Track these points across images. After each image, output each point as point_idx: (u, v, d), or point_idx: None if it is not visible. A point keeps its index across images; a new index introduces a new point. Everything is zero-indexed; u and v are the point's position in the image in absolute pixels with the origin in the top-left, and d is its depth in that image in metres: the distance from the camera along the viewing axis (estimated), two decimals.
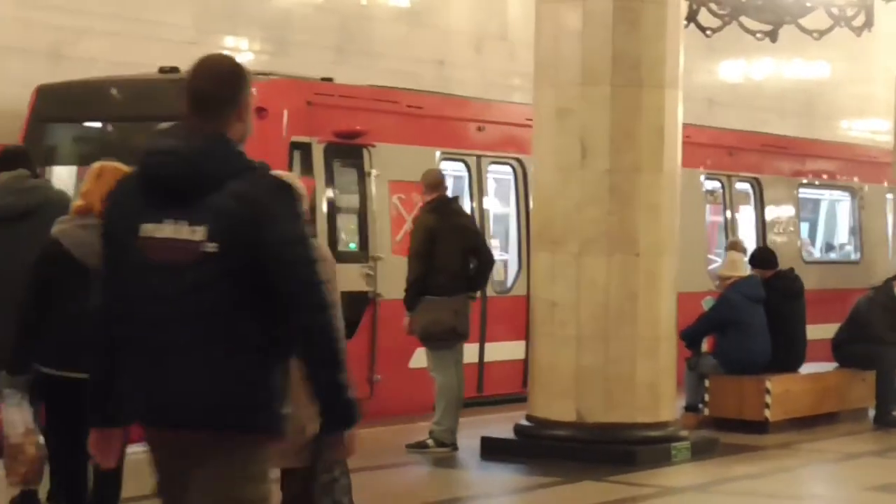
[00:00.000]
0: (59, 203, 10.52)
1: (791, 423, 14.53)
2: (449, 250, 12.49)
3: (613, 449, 11.97)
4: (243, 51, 17.53)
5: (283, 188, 5.70)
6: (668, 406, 12.62)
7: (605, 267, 12.04)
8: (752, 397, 14.62)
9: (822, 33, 17.72)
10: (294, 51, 17.71)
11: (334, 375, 5.47)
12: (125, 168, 8.82)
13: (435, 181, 13.16)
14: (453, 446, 12.59)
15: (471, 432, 11.91)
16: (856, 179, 20.32)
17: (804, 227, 22.72)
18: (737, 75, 24.30)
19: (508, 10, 19.72)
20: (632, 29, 12.07)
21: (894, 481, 12.14)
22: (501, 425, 12.66)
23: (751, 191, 20.85)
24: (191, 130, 5.63)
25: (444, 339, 12.76)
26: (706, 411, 14.67)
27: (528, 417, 12.33)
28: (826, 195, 23.49)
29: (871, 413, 15.15)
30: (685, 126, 12.79)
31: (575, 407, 12.04)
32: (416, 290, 12.54)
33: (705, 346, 14.76)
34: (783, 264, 15.78)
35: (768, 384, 14.74)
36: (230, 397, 5.46)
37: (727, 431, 13.81)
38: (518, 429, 12.32)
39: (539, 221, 12.47)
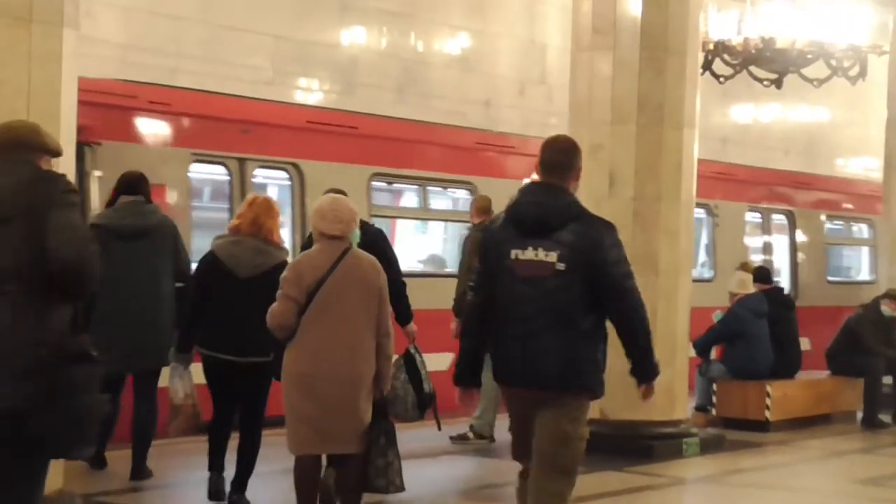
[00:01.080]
0: (168, 226, 10.85)
1: (789, 423, 14.55)
2: None
3: (632, 443, 12.01)
4: (314, 90, 17.50)
5: (608, 225, 7.77)
6: (681, 407, 12.65)
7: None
8: (754, 400, 14.65)
9: (821, 82, 17.68)
10: (360, 91, 17.65)
11: (648, 346, 7.80)
12: (272, 198, 10.80)
13: (486, 206, 13.08)
14: (491, 438, 12.69)
15: (506, 426, 11.90)
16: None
17: None
18: (747, 117, 24.18)
19: (547, 58, 19.66)
20: (656, 76, 12.10)
21: (879, 475, 12.22)
22: None
23: None
24: (546, 187, 7.69)
25: None
26: (714, 412, 14.75)
27: None
28: None
29: (860, 416, 15.15)
30: None
31: (599, 406, 12.03)
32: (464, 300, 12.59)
33: (714, 354, 14.73)
34: None
35: (769, 388, 14.78)
36: (569, 368, 7.49)
37: (732, 430, 13.84)
38: None
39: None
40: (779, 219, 21.53)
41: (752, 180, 21.27)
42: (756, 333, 14.74)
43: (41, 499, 6.47)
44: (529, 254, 7.50)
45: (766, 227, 21.35)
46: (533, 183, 8.10)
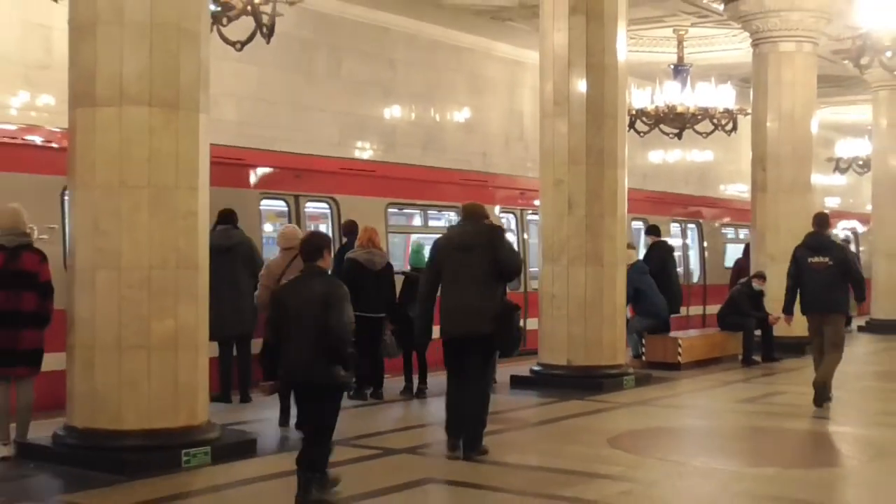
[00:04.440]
0: (246, 244, 11.35)
1: (693, 363, 14.49)
2: None
3: (589, 381, 11.91)
4: (367, 149, 17.48)
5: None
6: (621, 355, 12.63)
7: (584, 274, 12.00)
8: (670, 349, 14.57)
9: (707, 134, 17.67)
10: (398, 149, 17.70)
11: None
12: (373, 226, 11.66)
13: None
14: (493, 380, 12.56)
15: (503, 372, 11.81)
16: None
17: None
18: (658, 159, 24.19)
19: (524, 122, 19.71)
20: (597, 132, 12.02)
21: (753, 396, 12.18)
22: (523, 368, 12.54)
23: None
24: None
25: None
26: (644, 358, 14.68)
27: (539, 363, 12.30)
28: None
29: (740, 357, 15.05)
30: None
31: (566, 357, 12.01)
32: None
33: (628, 313, 14.38)
34: None
35: (679, 340, 14.74)
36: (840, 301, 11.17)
37: (656, 370, 13.75)
38: (533, 370, 12.31)
39: (545, 246, 12.33)
40: (691, 227, 21.50)
41: (672, 201, 21.24)
42: (647, 285, 14.68)
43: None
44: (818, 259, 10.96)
45: (684, 233, 21.35)
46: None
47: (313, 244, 7.05)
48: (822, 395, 10.86)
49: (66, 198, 8.57)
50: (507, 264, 8.18)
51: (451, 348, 8.30)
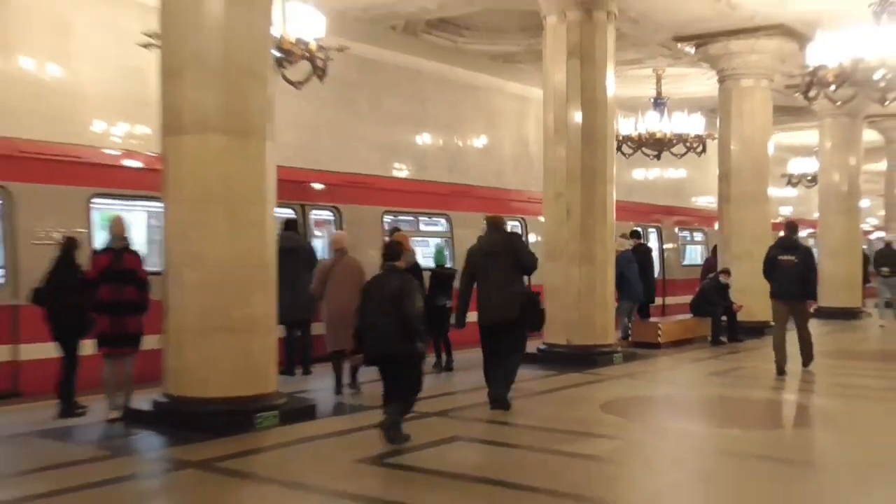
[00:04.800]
0: (305, 247, 11.62)
1: (671, 343, 14.41)
2: None
3: (586, 357, 11.90)
4: (403, 169, 17.49)
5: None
6: (611, 336, 12.58)
7: (579, 270, 11.97)
8: (652, 331, 14.53)
9: (681, 155, 17.64)
10: (429, 170, 17.66)
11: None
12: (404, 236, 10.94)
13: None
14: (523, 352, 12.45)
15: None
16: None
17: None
18: (641, 176, 24.05)
19: (530, 147, 19.60)
20: (591, 155, 12.02)
21: (720, 370, 12.08)
22: (530, 347, 12.54)
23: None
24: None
25: None
26: (630, 338, 14.62)
27: (544, 343, 12.27)
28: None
29: (709, 338, 14.97)
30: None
31: (566, 337, 12.00)
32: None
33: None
34: None
35: (659, 325, 14.72)
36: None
37: (640, 348, 13.73)
38: (539, 348, 12.27)
39: (548, 248, 12.25)
40: (652, 230, 21.28)
41: (649, 210, 21.09)
42: (631, 272, 14.57)
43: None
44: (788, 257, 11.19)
45: (664, 236, 21.16)
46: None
47: (393, 249, 7.49)
48: (804, 359, 11.64)
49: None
50: (526, 263, 8.79)
51: (485, 333, 8.79)
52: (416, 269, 11.30)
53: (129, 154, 11.54)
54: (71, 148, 10.78)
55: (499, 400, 8.68)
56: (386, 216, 14.13)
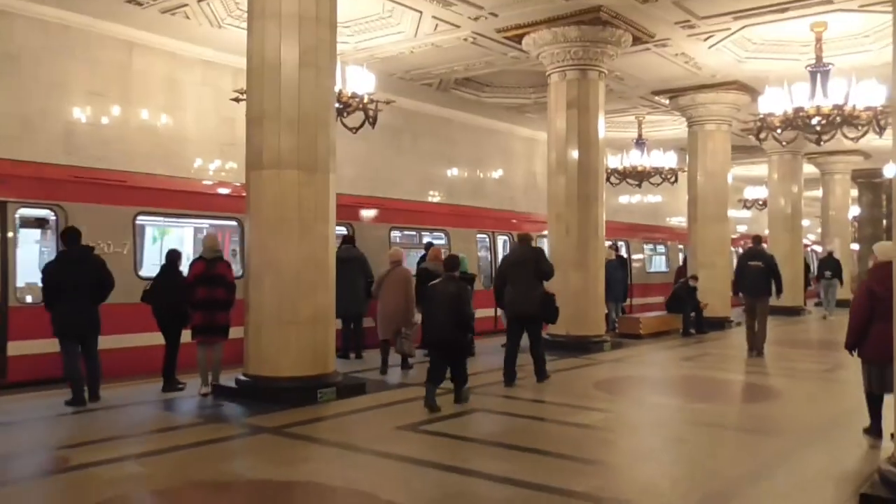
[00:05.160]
0: (359, 256, 11.32)
1: (650, 335, 14.18)
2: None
3: (582, 346, 11.73)
4: (436, 196, 17.45)
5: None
6: (601, 328, 12.39)
7: (577, 275, 11.82)
8: (634, 325, 14.29)
9: (658, 184, 17.48)
10: (455, 195, 17.67)
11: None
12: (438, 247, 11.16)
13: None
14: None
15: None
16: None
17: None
18: (626, 201, 23.87)
19: (536, 177, 19.52)
20: (585, 182, 11.89)
21: (690, 355, 11.80)
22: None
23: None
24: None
25: None
26: (617, 330, 14.39)
27: (548, 333, 12.04)
28: None
29: (681, 331, 14.74)
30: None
31: (566, 329, 11.84)
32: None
33: None
34: None
35: (640, 319, 14.46)
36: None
37: (625, 338, 13.54)
38: (547, 338, 12.05)
39: (556, 258, 11.85)
40: (622, 243, 20.56)
41: (623, 228, 20.66)
42: (615, 277, 14.43)
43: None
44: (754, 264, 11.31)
45: (631, 249, 20.69)
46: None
47: (453, 262, 7.80)
48: (759, 346, 11.78)
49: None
50: (546, 272, 8.91)
51: (511, 323, 8.99)
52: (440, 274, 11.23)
53: (221, 184, 11.56)
54: (181, 181, 10.84)
55: (508, 385, 8.78)
56: (423, 233, 14.16)
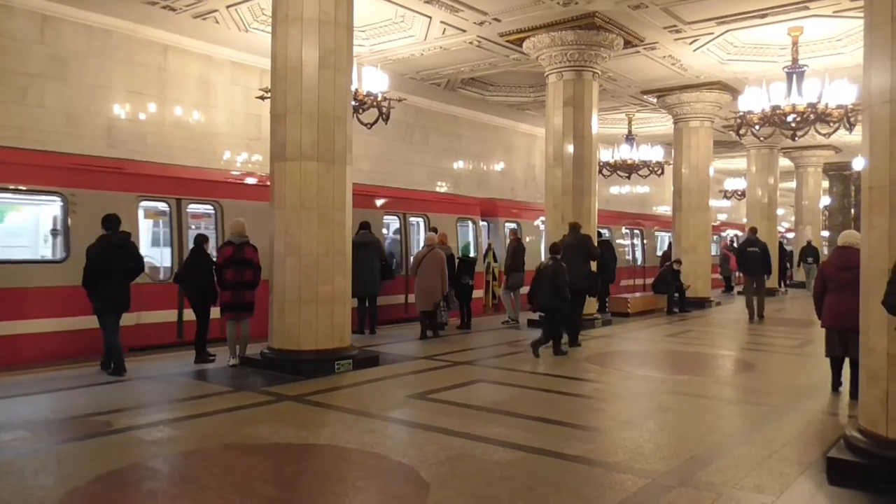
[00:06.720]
0: (375, 241, 11.14)
1: (638, 313, 14.17)
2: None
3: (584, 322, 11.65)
4: (444, 188, 17.36)
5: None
6: (593, 307, 12.32)
7: None
8: (623, 304, 14.23)
9: (645, 176, 17.31)
10: (461, 186, 17.58)
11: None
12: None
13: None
14: (517, 322, 12.31)
15: (523, 316, 11.66)
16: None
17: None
18: (616, 192, 23.70)
19: (535, 171, 19.42)
20: (579, 175, 11.81)
21: (673, 332, 11.70)
22: (535, 314, 12.34)
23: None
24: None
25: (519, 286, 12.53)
26: (608, 309, 14.25)
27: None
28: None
29: (665, 310, 14.70)
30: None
31: None
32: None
33: None
34: None
35: (628, 299, 14.40)
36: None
37: (616, 317, 13.50)
38: (541, 315, 11.94)
39: (548, 244, 11.95)
40: (605, 230, 19.88)
41: (620, 216, 20.69)
42: (607, 264, 13.94)
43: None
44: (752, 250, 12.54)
45: (618, 235, 20.57)
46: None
47: (555, 247, 9.07)
48: (760, 312, 13.36)
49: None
50: (594, 254, 9.91)
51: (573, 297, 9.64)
52: (451, 257, 11.24)
53: (249, 174, 11.53)
54: (208, 171, 10.81)
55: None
56: (430, 216, 13.99)
